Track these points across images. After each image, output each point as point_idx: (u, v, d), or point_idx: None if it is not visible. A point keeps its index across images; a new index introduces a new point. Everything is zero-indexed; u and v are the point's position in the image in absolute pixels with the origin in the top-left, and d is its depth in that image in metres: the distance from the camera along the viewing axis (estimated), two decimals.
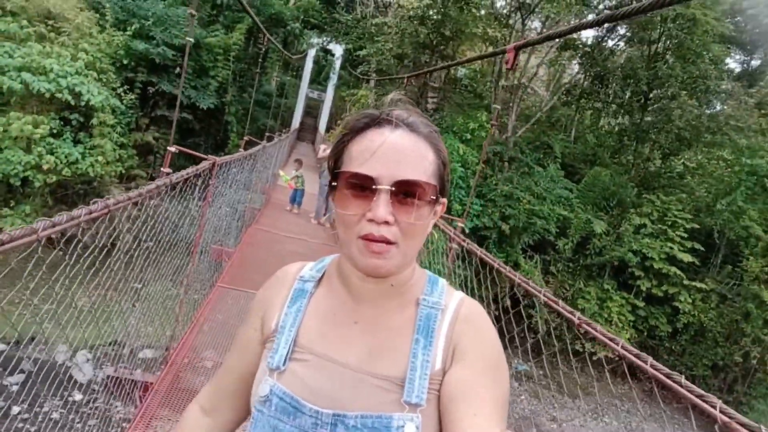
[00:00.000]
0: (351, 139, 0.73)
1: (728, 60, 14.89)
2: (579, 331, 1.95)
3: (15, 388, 7.66)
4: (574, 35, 15.08)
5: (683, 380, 1.44)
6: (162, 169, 2.52)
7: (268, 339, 0.80)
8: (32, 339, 7.32)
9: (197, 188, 3.34)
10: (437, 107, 13.36)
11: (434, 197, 0.70)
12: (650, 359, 1.59)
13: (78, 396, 8.01)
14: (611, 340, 1.71)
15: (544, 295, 2.17)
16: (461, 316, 0.76)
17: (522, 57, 14.18)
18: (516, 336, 2.73)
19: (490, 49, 11.38)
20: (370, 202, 0.67)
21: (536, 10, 11.47)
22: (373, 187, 0.67)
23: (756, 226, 12.00)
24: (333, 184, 0.72)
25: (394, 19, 11.82)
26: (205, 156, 3.59)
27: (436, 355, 0.72)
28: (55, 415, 7.58)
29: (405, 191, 0.67)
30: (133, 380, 2.63)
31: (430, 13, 10.57)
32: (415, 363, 0.71)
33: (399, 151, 0.69)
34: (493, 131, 8.56)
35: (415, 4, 10.47)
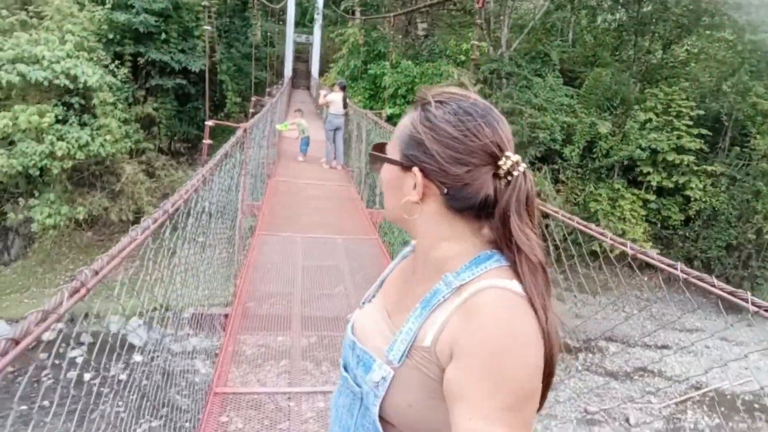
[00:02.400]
0: None
1: None
2: (633, 261, 2.03)
3: (80, 360, 8.46)
4: None
5: (716, 281, 1.64)
6: (204, 141, 2.82)
7: None
8: (85, 315, 7.99)
9: (237, 155, 3.72)
10: (427, 33, 13.12)
11: (386, 158, 0.82)
12: (680, 266, 1.76)
13: (138, 357, 8.77)
14: (669, 265, 1.81)
15: (592, 230, 2.22)
16: (467, 304, 0.71)
17: None
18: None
19: None
20: None
21: None
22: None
23: (763, 101, 11.93)
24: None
25: None
26: (235, 125, 3.92)
27: (425, 331, 0.73)
28: (123, 377, 8.39)
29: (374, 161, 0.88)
30: (211, 315, 3.23)
31: None
32: (403, 327, 0.76)
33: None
34: (475, 55, 8.51)
35: None
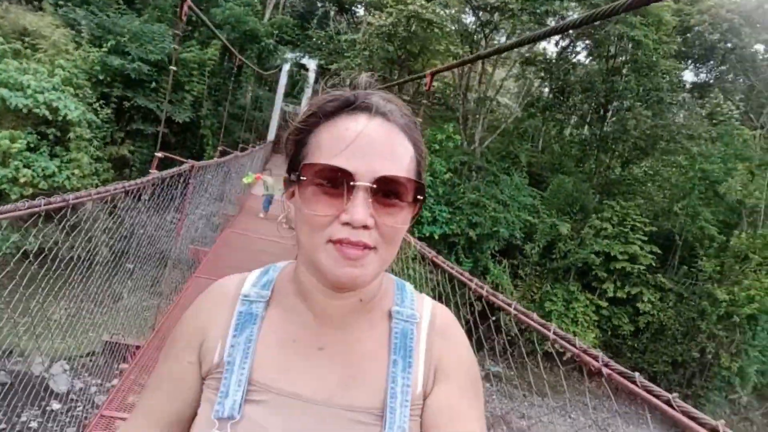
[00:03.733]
0: (318, 125, 0.63)
1: (683, 73, 15.83)
2: (554, 346, 1.90)
3: None
4: (539, 49, 15.87)
5: (638, 377, 1.50)
6: (150, 170, 2.91)
7: (210, 375, 0.67)
8: (8, 352, 7.48)
9: (174, 198, 3.75)
10: None
11: (418, 197, 0.62)
12: (610, 364, 1.61)
13: (56, 405, 8.14)
14: (594, 357, 1.67)
15: (515, 309, 2.13)
16: (437, 328, 0.70)
17: (489, 70, 14.87)
18: (483, 337, 2.66)
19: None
20: (344, 201, 0.58)
21: (498, 27, 12.15)
22: (351, 183, 0.58)
23: (710, 227, 12.77)
24: (294, 177, 0.62)
25: (364, 36, 12.35)
26: (185, 160, 3.95)
27: (417, 377, 0.66)
28: (33, 424, 7.72)
29: (387, 190, 0.59)
30: (125, 344, 3.17)
31: (399, 30, 11.14)
32: (394, 389, 0.64)
33: (380, 143, 0.60)
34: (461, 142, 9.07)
35: (383, 22, 11.02)
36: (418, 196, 0.62)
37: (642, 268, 13.05)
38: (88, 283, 3.45)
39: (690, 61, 14.94)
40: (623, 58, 13.92)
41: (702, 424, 1.27)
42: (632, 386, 1.50)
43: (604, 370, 1.61)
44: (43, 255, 2.91)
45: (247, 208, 9.52)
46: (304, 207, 0.60)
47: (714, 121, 15.81)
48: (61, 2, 12.07)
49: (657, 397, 1.41)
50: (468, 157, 12.90)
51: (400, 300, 0.71)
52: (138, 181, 2.60)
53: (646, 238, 13.35)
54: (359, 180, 0.57)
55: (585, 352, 1.72)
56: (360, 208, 0.57)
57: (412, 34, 11.16)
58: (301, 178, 0.60)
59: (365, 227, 0.58)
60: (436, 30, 11.75)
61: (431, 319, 0.71)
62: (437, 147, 12.33)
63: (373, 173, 0.58)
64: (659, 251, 13.40)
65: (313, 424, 0.62)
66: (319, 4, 17.95)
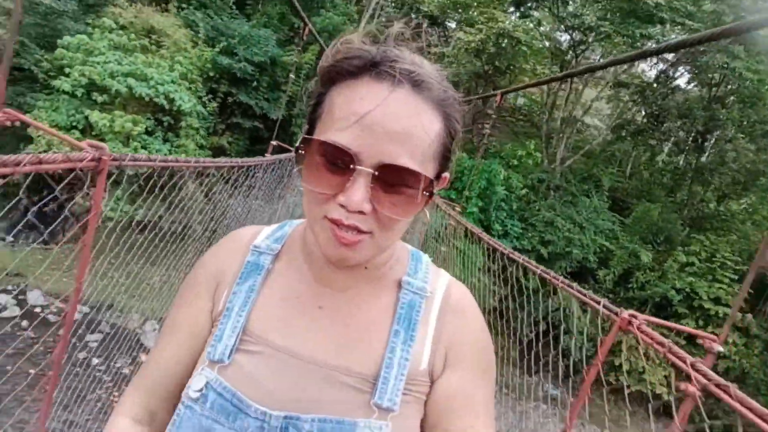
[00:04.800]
0: (336, 83, 0.58)
1: None
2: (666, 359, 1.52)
3: (94, 344, 8.96)
4: (636, 71, 15.33)
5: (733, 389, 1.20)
6: (266, 155, 3.43)
7: (216, 320, 0.68)
8: (110, 306, 8.58)
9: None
10: (490, 133, 14.01)
11: (429, 190, 0.57)
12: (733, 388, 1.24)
13: (144, 357, 9.18)
14: (719, 386, 1.24)
15: (578, 292, 1.92)
16: (451, 306, 0.67)
17: (578, 89, 14.61)
18: (549, 360, 2.53)
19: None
20: (346, 181, 0.55)
21: (590, 48, 11.99)
22: (351, 166, 0.54)
23: None
24: (301, 149, 0.58)
25: (453, 50, 12.69)
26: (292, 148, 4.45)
27: (421, 353, 0.64)
28: (125, 371, 8.78)
29: (391, 179, 0.55)
30: None
31: (487, 46, 11.35)
32: (392, 359, 0.62)
33: (395, 122, 0.54)
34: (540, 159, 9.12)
35: (473, 38, 11.29)
36: (432, 189, 0.58)
37: (727, 310, 12.18)
38: (181, 255, 3.82)
39: None
40: (727, 87, 13.14)
41: None
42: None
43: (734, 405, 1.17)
44: (146, 227, 3.45)
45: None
46: (304, 179, 0.57)
47: None
48: (183, 5, 13.53)
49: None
50: (547, 175, 12.78)
51: (413, 271, 0.69)
52: (257, 159, 3.09)
53: (736, 278, 12.46)
54: (361, 164, 0.54)
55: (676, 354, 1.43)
56: (357, 193, 0.54)
57: (500, 50, 11.33)
58: (300, 152, 0.58)
59: (361, 212, 0.55)
60: (525, 48, 11.82)
61: (445, 296, 0.68)
62: (516, 162, 12.34)
63: (379, 158, 0.54)
64: (751, 292, 12.44)
65: (302, 380, 0.61)
66: (413, 17, 18.52)
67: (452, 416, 0.63)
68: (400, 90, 0.56)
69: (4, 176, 1.10)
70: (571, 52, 12.96)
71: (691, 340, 12.64)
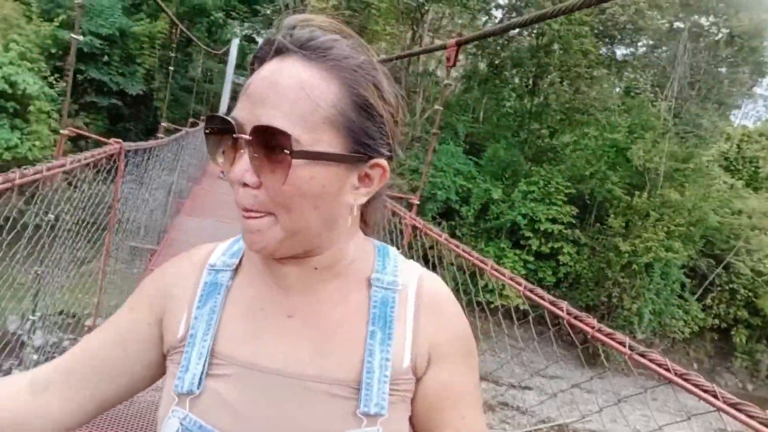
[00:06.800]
0: (251, 74, 0.57)
1: (604, 49, 17.46)
2: (515, 313, 2.47)
3: None
4: (477, 24, 17.03)
5: (595, 323, 1.69)
6: (158, 135, 3.50)
7: (174, 350, 0.63)
8: None
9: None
10: None
11: (320, 153, 0.53)
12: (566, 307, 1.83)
13: (35, 356, 9.05)
14: (554, 304, 1.91)
15: (492, 268, 2.30)
16: (426, 301, 0.64)
17: (428, 43, 15.95)
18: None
19: (396, 43, 13.02)
20: (235, 156, 0.55)
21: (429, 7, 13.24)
22: (234, 135, 0.53)
23: (617, 189, 14.63)
24: (206, 130, 0.57)
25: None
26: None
27: (402, 351, 0.61)
28: (15, 371, 8.63)
29: (266, 142, 0.52)
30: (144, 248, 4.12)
31: (340, 10, 11.97)
32: (372, 363, 0.59)
33: (272, 85, 0.53)
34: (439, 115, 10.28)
35: (325, 5, 11.88)
36: (332, 153, 0.54)
37: (562, 228, 14.79)
38: (51, 250, 3.48)
39: (607, 40, 16.54)
40: (548, 37, 15.32)
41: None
42: (592, 331, 1.70)
43: (565, 317, 1.82)
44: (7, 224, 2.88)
45: (209, 172, 10.61)
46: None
47: (632, 94, 17.65)
48: None
49: (613, 338, 1.60)
50: (408, 128, 14.12)
51: (381, 266, 0.66)
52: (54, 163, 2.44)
53: (567, 200, 15.08)
54: (242, 131, 0.53)
55: (549, 301, 1.98)
56: (238, 164, 0.53)
57: (352, 14, 12.05)
58: (205, 131, 0.57)
59: (246, 185, 0.54)
60: (374, 11, 12.69)
61: (418, 290, 0.65)
62: None
63: (253, 123, 0.52)
64: (578, 210, 15.19)
65: (281, 396, 0.58)
66: None
67: (443, 410, 0.62)
68: (288, 59, 0.55)
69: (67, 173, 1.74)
70: (416, 11, 14.11)
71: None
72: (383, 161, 0.59)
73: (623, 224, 14.55)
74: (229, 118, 0.53)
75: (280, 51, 0.56)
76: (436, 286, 0.67)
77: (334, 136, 0.54)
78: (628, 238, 14.34)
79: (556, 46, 15.24)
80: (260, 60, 0.57)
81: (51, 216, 3.18)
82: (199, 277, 0.66)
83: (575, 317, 1.73)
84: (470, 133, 17.29)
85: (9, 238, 2.77)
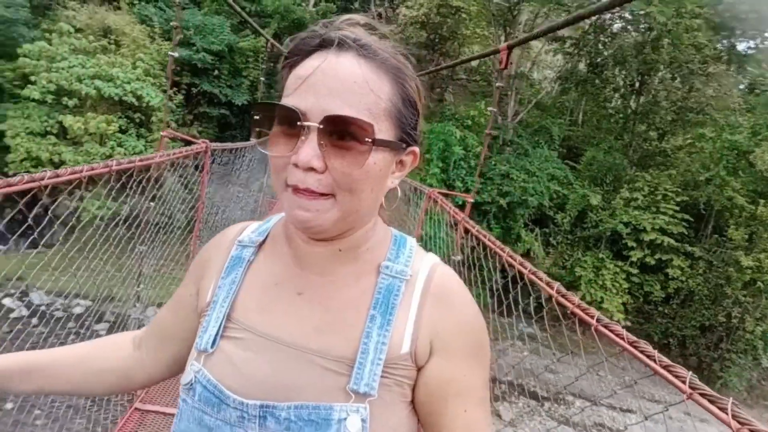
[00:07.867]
0: (292, 66, 0.62)
1: (724, 42, 15.81)
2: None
3: (103, 332, 9.74)
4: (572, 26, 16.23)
5: (657, 354, 1.27)
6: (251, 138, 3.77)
7: (203, 312, 0.73)
8: (111, 298, 9.31)
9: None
10: (442, 98, 14.85)
11: (385, 141, 0.59)
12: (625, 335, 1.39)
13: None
14: (590, 315, 1.59)
15: (530, 272, 2.10)
16: (433, 291, 0.65)
17: (522, 46, 15.46)
18: (520, 299, 2.72)
19: (489, 45, 12.80)
20: (297, 141, 0.57)
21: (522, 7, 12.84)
22: (299, 123, 0.56)
23: (739, 197, 13.11)
24: (255, 114, 0.62)
25: (399, 27, 13.37)
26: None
27: (401, 336, 0.63)
28: None
29: (338, 130, 0.56)
30: None
31: (431, 17, 12.03)
32: (367, 345, 0.62)
33: (337, 78, 0.57)
34: (492, 117, 10.06)
35: (416, 13, 11.99)
36: (390, 141, 0.59)
37: (672, 240, 13.52)
38: (172, 245, 3.93)
39: (726, 33, 14.94)
40: (661, 32, 14.18)
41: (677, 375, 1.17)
42: (648, 362, 1.31)
43: (626, 345, 1.36)
44: (129, 221, 3.43)
45: None
46: (267, 148, 0.60)
47: (756, 91, 15.79)
48: (134, 1, 13.75)
49: (671, 371, 1.21)
50: (499, 131, 13.76)
51: (394, 255, 0.68)
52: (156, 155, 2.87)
53: (677, 208, 13.79)
54: (307, 119, 0.56)
55: (581, 309, 1.69)
56: (305, 148, 0.56)
57: (443, 20, 12.05)
58: (255, 117, 0.61)
59: (313, 170, 0.56)
60: (464, 15, 12.57)
61: (427, 280, 0.66)
62: (470, 123, 13.25)
63: (323, 111, 0.55)
64: (691, 219, 13.82)
65: (282, 364, 0.62)
66: None
67: (445, 400, 0.63)
68: (345, 54, 0.58)
69: (147, 168, 1.92)
70: (507, 13, 13.76)
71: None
72: (416, 148, 0.66)
73: (746, 236, 12.99)
74: (292, 107, 0.57)
75: (336, 45, 0.60)
76: (446, 277, 0.69)
77: (389, 126, 0.61)
78: (752, 251, 12.78)
79: (664, 42, 14.07)
80: (305, 53, 0.62)
81: (152, 203, 3.49)
82: (229, 250, 0.75)
83: (632, 343, 1.40)
84: (567, 136, 16.48)
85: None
